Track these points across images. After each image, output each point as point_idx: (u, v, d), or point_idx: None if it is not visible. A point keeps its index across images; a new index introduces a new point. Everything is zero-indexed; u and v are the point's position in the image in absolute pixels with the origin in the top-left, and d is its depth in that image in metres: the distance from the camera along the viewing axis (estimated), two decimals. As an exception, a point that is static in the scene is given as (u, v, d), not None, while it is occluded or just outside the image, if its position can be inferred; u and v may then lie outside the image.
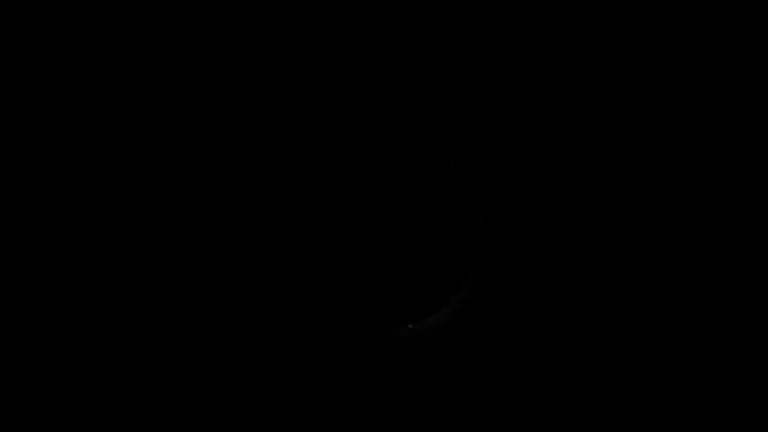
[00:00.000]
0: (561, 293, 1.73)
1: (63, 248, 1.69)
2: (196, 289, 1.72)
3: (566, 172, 1.71)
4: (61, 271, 1.69)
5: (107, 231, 1.70)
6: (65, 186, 1.68)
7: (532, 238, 1.73)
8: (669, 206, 1.70)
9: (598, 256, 1.72)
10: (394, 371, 1.76)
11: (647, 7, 1.65)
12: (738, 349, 1.69)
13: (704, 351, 1.70)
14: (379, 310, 1.85)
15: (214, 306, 1.73)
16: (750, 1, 1.63)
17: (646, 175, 1.70)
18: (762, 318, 1.68)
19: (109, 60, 1.67)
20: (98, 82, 1.68)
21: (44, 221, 1.68)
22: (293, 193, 1.76)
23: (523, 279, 1.73)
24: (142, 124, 1.69)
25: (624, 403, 1.71)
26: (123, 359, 1.70)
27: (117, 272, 1.70)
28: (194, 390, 1.72)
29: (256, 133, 1.72)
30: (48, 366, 1.69)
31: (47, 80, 1.67)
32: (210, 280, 1.72)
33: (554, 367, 1.73)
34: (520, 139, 1.71)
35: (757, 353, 1.68)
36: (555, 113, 1.70)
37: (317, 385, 1.75)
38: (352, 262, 1.85)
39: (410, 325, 1.82)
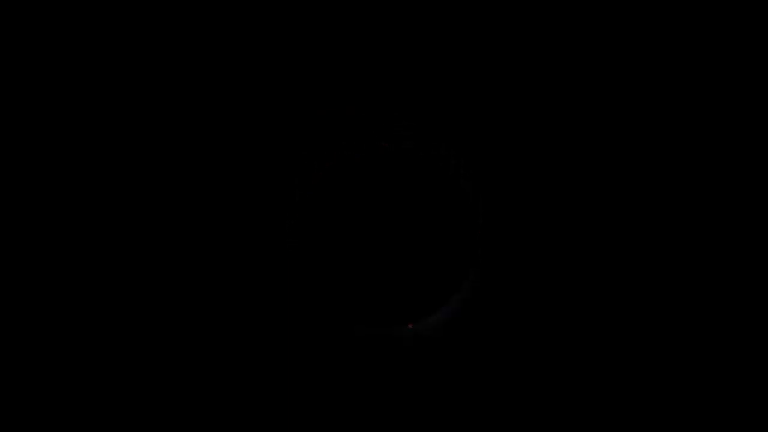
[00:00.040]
0: (561, 293, 1.73)
1: (63, 248, 1.69)
2: (197, 289, 1.72)
3: (566, 171, 1.71)
4: (61, 271, 1.69)
5: (107, 231, 1.70)
6: (66, 186, 1.68)
7: (532, 238, 1.73)
8: (669, 207, 1.70)
9: (598, 255, 1.72)
10: (394, 371, 1.76)
11: (647, 7, 1.65)
12: (738, 349, 1.69)
13: (705, 348, 1.70)
14: (379, 310, 1.85)
15: (214, 306, 1.73)
16: (750, 1, 1.63)
17: (647, 175, 1.70)
18: (762, 318, 1.68)
19: (110, 60, 1.67)
20: (98, 83, 1.68)
21: (44, 221, 1.68)
22: (293, 193, 1.76)
23: (523, 279, 1.73)
24: (143, 125, 1.69)
25: (624, 403, 1.71)
26: (123, 359, 1.70)
27: (117, 272, 1.70)
28: (194, 389, 1.72)
29: (256, 133, 1.72)
30: (48, 366, 1.69)
31: (47, 80, 1.67)
32: (210, 279, 1.72)
33: (554, 367, 1.73)
34: (520, 139, 1.71)
35: (757, 353, 1.68)
36: (555, 113, 1.70)
37: (317, 385, 1.75)
38: (352, 262, 1.85)
39: (410, 325, 1.82)
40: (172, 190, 1.71)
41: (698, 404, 1.69)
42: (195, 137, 1.70)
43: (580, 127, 1.70)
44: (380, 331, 1.80)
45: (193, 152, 1.71)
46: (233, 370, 1.73)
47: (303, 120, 1.72)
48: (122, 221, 1.70)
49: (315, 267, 1.84)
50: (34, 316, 1.68)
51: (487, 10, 1.66)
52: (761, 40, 1.65)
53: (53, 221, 1.68)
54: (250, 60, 1.69)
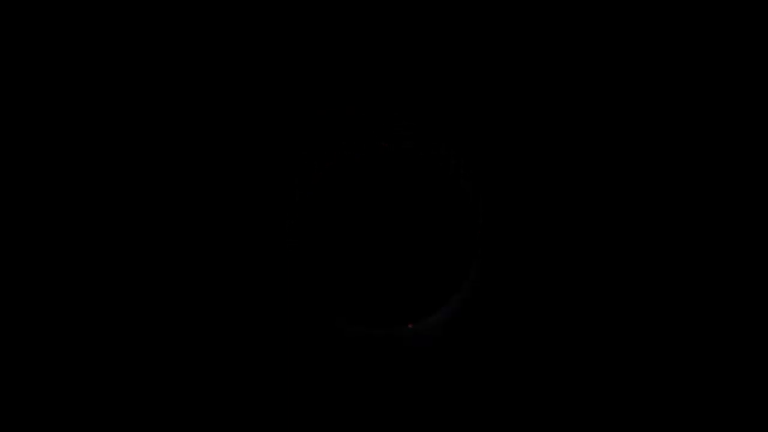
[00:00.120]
0: (561, 293, 1.73)
1: (63, 248, 1.69)
2: (197, 289, 1.72)
3: (566, 171, 1.71)
4: (61, 271, 1.69)
5: (108, 231, 1.70)
6: (66, 186, 1.68)
7: (532, 237, 1.73)
8: (668, 210, 1.70)
9: (598, 255, 1.72)
10: (394, 371, 1.76)
11: (647, 7, 1.65)
12: (738, 349, 1.69)
13: (705, 345, 1.70)
14: (379, 310, 1.85)
15: (214, 305, 1.73)
16: (750, 1, 1.63)
17: (647, 175, 1.70)
18: (762, 318, 1.68)
19: (110, 60, 1.67)
20: (99, 83, 1.68)
21: (45, 221, 1.68)
22: (293, 193, 1.76)
23: (523, 279, 1.73)
24: (143, 125, 1.69)
25: (623, 404, 1.71)
26: (123, 358, 1.70)
27: (117, 272, 1.70)
28: (194, 389, 1.72)
29: (256, 133, 1.72)
30: (48, 366, 1.69)
31: (48, 81, 1.67)
32: (210, 279, 1.72)
33: (554, 367, 1.73)
34: (520, 139, 1.71)
35: (757, 353, 1.68)
36: (555, 113, 1.70)
37: (317, 384, 1.75)
38: (352, 262, 1.85)
39: (410, 325, 1.82)
40: (173, 190, 1.71)
41: (698, 404, 1.69)
42: (195, 137, 1.70)
43: (579, 127, 1.70)
44: (380, 331, 1.80)
45: (194, 152, 1.71)
46: (233, 370, 1.73)
47: (303, 120, 1.72)
48: (123, 221, 1.70)
49: (315, 267, 1.84)
50: (34, 316, 1.68)
51: (486, 10, 1.66)
52: (761, 40, 1.65)
53: (54, 221, 1.68)
54: (250, 60, 1.69)
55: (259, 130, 1.71)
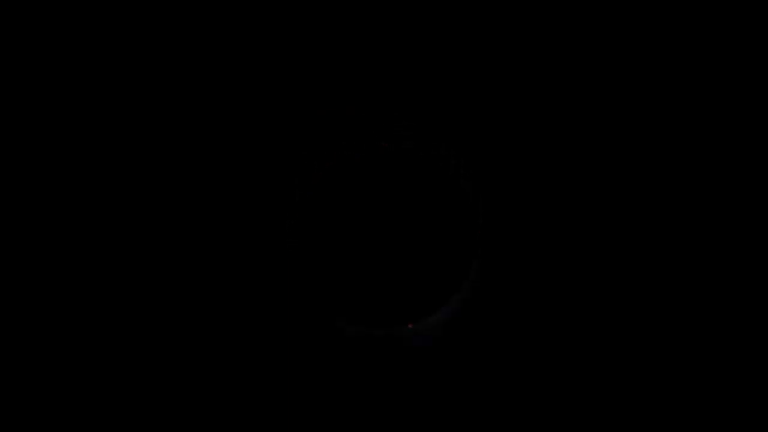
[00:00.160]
0: (561, 294, 1.73)
1: (63, 248, 1.69)
2: (197, 289, 1.72)
3: (566, 171, 1.71)
4: (61, 271, 1.69)
5: (108, 231, 1.70)
6: (66, 186, 1.68)
7: (532, 237, 1.73)
8: (668, 210, 1.70)
9: (598, 255, 1.72)
10: (393, 371, 1.76)
11: (647, 7, 1.65)
12: (738, 349, 1.69)
13: (705, 346, 1.70)
14: (379, 310, 1.85)
15: (214, 305, 1.73)
16: (750, 1, 1.63)
17: (648, 175, 1.70)
18: (762, 318, 1.68)
19: (110, 60, 1.67)
20: (98, 83, 1.68)
21: (45, 221, 1.68)
22: (293, 193, 1.76)
23: (523, 279, 1.73)
24: (143, 125, 1.69)
25: (623, 404, 1.71)
26: (123, 358, 1.70)
27: (117, 272, 1.70)
28: (194, 389, 1.72)
29: (256, 133, 1.72)
30: (48, 366, 1.69)
31: (48, 80, 1.67)
32: (210, 279, 1.72)
33: (554, 367, 1.73)
34: (521, 139, 1.71)
35: (757, 353, 1.68)
36: (555, 113, 1.70)
37: (317, 384, 1.75)
38: (352, 262, 1.85)
39: (410, 325, 1.82)
40: (173, 190, 1.71)
41: (698, 404, 1.69)
42: (195, 137, 1.70)
43: (579, 127, 1.70)
44: (380, 331, 1.80)
45: (194, 152, 1.71)
46: (233, 370, 1.73)
47: (303, 120, 1.72)
48: (123, 221, 1.70)
49: (315, 267, 1.84)
50: (35, 316, 1.68)
51: (486, 10, 1.66)
52: (761, 40, 1.65)
53: (54, 221, 1.68)
54: (250, 60, 1.69)
55: (259, 130, 1.71)
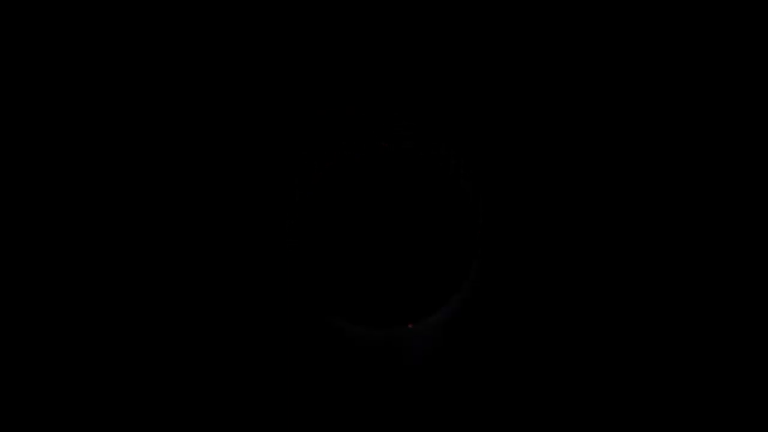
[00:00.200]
0: (562, 294, 1.72)
1: (62, 248, 1.69)
2: (196, 289, 1.72)
3: (566, 171, 1.71)
4: (60, 271, 1.69)
5: (107, 231, 1.70)
6: (65, 186, 1.68)
7: (532, 237, 1.73)
8: (669, 210, 1.70)
9: (598, 255, 1.72)
10: (394, 371, 1.75)
11: (647, 7, 1.65)
12: (738, 349, 1.69)
13: (705, 346, 1.70)
14: (379, 310, 1.85)
15: (214, 306, 1.73)
16: (750, 1, 1.63)
17: (648, 175, 1.69)
18: (762, 318, 1.68)
19: (109, 60, 1.67)
20: (98, 82, 1.68)
21: (44, 221, 1.68)
22: (293, 193, 1.76)
23: (523, 279, 1.73)
24: (143, 125, 1.69)
25: (623, 404, 1.71)
26: (123, 358, 1.70)
27: (117, 272, 1.70)
28: (193, 389, 1.72)
29: (256, 133, 1.72)
30: (48, 366, 1.69)
31: (47, 81, 1.67)
32: (210, 279, 1.72)
33: (554, 367, 1.73)
34: (521, 139, 1.71)
35: (757, 353, 1.68)
36: (555, 113, 1.70)
37: (317, 385, 1.75)
38: (352, 262, 1.84)
39: (410, 325, 1.82)
40: (173, 190, 1.71)
41: (698, 404, 1.69)
42: (195, 137, 1.70)
43: (579, 127, 1.70)
44: (380, 331, 1.80)
45: (194, 152, 1.71)
46: (233, 370, 1.73)
47: (303, 120, 1.72)
48: (123, 221, 1.70)
49: (315, 267, 1.84)
50: (35, 316, 1.68)
51: (486, 10, 1.66)
52: (761, 40, 1.65)
53: (53, 221, 1.68)
54: (250, 60, 1.69)
55: (259, 130, 1.71)
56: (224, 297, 1.73)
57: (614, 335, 1.71)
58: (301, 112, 1.72)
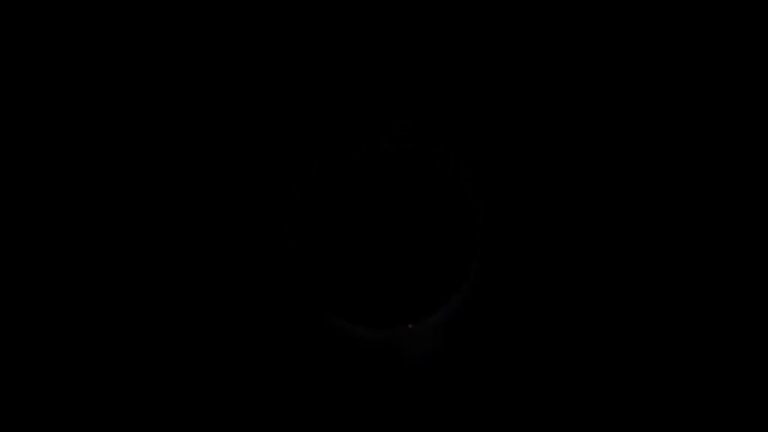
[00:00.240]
0: (562, 294, 1.73)
1: (63, 248, 1.69)
2: (196, 289, 1.72)
3: (566, 171, 1.71)
4: (60, 271, 1.69)
5: (107, 231, 1.70)
6: (65, 186, 1.68)
7: (532, 237, 1.73)
8: (670, 208, 1.70)
9: (598, 255, 1.72)
10: (393, 371, 1.76)
11: (647, 7, 1.65)
12: (738, 349, 1.69)
13: (705, 346, 1.70)
14: (379, 310, 1.85)
15: (214, 306, 1.73)
16: (750, 1, 1.63)
17: (648, 175, 1.70)
18: (762, 318, 1.68)
19: (109, 60, 1.67)
20: (98, 82, 1.68)
21: (44, 221, 1.69)
22: (293, 193, 1.76)
23: (523, 279, 1.73)
24: (143, 125, 1.69)
25: (623, 404, 1.71)
26: (123, 359, 1.70)
27: (117, 272, 1.70)
28: (193, 389, 1.72)
29: (256, 133, 1.72)
30: (47, 366, 1.69)
31: (47, 81, 1.67)
32: (210, 279, 1.72)
33: (554, 367, 1.73)
34: (521, 139, 1.71)
35: (758, 353, 1.68)
36: (555, 113, 1.70)
37: (317, 385, 1.75)
38: (352, 262, 1.85)
39: (410, 325, 1.82)
40: (173, 190, 1.71)
41: (698, 404, 1.69)
42: (195, 137, 1.70)
43: (579, 127, 1.70)
44: (380, 331, 1.80)
45: (194, 152, 1.71)
46: (233, 370, 1.73)
47: (303, 120, 1.72)
48: (123, 221, 1.70)
49: (315, 267, 1.84)
50: (34, 316, 1.68)
51: (486, 10, 1.66)
52: (761, 40, 1.65)
53: (54, 221, 1.69)
54: (250, 60, 1.69)
55: (259, 130, 1.72)
56: (225, 297, 1.73)
57: (614, 335, 1.71)
58: (301, 112, 1.72)
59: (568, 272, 1.72)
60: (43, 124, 1.67)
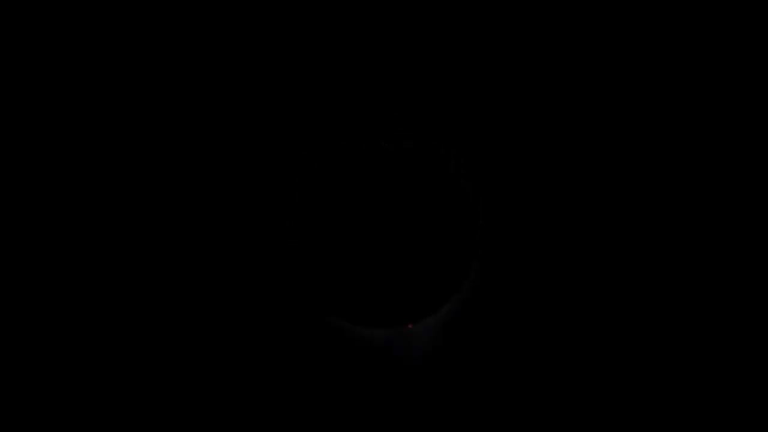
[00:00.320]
0: (562, 294, 1.73)
1: (62, 248, 1.69)
2: (196, 289, 1.72)
3: (566, 171, 1.71)
4: (59, 271, 1.69)
5: (107, 231, 1.70)
6: (64, 186, 1.68)
7: (532, 237, 1.73)
8: (670, 208, 1.70)
9: (599, 255, 1.72)
10: (393, 371, 1.76)
11: (647, 7, 1.65)
12: (738, 349, 1.69)
13: (705, 346, 1.70)
14: (379, 310, 1.85)
15: (214, 306, 1.73)
16: (750, 1, 1.63)
17: (648, 175, 1.70)
18: (762, 318, 1.68)
19: (109, 60, 1.67)
20: (97, 82, 1.68)
21: (43, 221, 1.68)
22: (293, 193, 1.76)
23: (524, 279, 1.73)
24: (142, 125, 1.69)
25: (623, 404, 1.71)
26: (122, 359, 1.70)
27: (116, 272, 1.70)
28: (192, 390, 1.72)
29: (256, 133, 1.72)
30: (47, 365, 1.69)
31: (47, 81, 1.67)
32: (210, 279, 1.72)
33: (554, 367, 1.73)
34: (520, 139, 1.71)
35: (757, 353, 1.68)
36: (555, 113, 1.70)
37: (316, 385, 1.75)
38: (351, 262, 1.85)
39: (410, 325, 1.82)
40: (172, 190, 1.71)
41: (698, 404, 1.69)
42: (195, 137, 1.70)
43: (580, 127, 1.70)
44: (380, 331, 1.80)
45: (193, 152, 1.71)
46: (232, 370, 1.73)
47: (303, 120, 1.72)
48: (122, 221, 1.70)
49: (315, 267, 1.84)
50: (34, 316, 1.68)
51: (486, 10, 1.66)
52: (761, 40, 1.65)
53: (52, 221, 1.68)
54: (249, 60, 1.69)
55: (260, 130, 1.71)
56: (224, 297, 1.73)
57: (614, 335, 1.71)
58: (301, 112, 1.72)
59: (569, 272, 1.72)
60: (43, 124, 1.67)
